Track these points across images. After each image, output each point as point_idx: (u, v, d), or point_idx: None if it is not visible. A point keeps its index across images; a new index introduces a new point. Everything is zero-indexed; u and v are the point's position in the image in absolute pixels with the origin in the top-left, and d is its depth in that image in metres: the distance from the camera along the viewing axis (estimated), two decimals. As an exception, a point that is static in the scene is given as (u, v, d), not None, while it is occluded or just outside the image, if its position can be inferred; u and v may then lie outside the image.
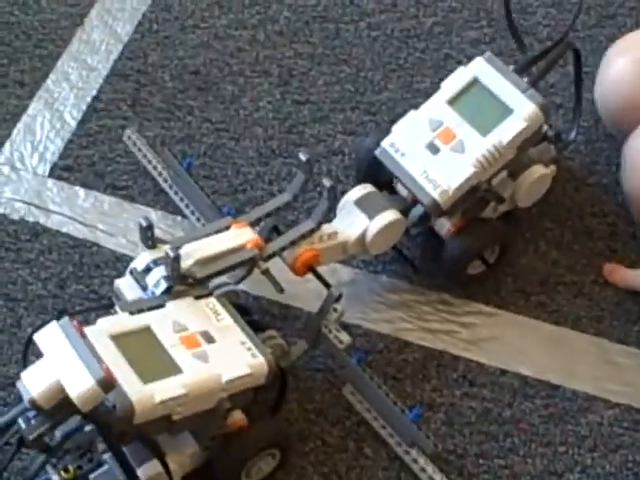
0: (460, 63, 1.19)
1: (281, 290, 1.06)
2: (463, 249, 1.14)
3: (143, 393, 0.88)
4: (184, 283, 0.99)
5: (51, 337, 0.86)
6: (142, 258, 1.01)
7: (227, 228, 1.06)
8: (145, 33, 1.37)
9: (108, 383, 0.83)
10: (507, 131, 1.10)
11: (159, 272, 0.99)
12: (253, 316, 1.07)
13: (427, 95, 1.17)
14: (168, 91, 1.32)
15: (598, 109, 1.25)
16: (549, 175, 1.18)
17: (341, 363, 1.09)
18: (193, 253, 1.01)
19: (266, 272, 1.05)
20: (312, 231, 1.08)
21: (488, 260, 1.17)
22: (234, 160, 1.27)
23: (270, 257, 1.06)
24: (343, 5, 1.41)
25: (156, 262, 1.00)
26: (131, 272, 1.01)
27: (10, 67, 1.34)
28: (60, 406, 0.83)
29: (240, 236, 1.05)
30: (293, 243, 1.07)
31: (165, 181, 1.21)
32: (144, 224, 1.00)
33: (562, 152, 1.23)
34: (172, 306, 0.97)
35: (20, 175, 1.25)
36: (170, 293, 0.99)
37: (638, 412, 1.10)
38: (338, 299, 1.06)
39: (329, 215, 1.10)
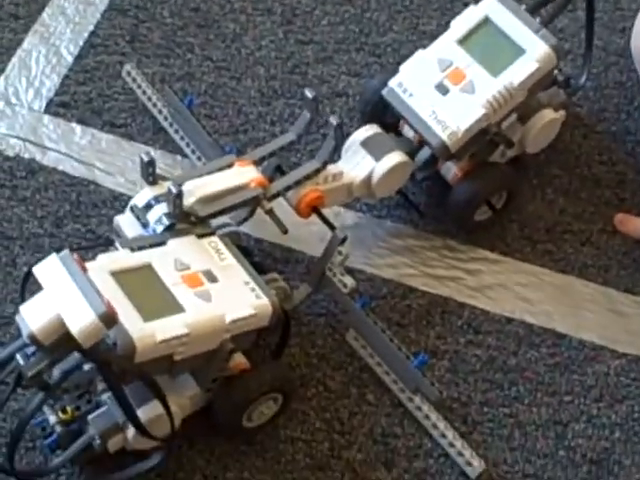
0: (467, 5, 1.16)
1: (285, 230, 1.03)
2: (471, 194, 1.11)
3: (144, 331, 0.85)
4: (186, 221, 0.97)
5: (51, 270, 0.82)
6: (143, 194, 0.98)
7: (230, 166, 1.03)
8: (144, -32, 1.33)
9: (110, 318, 0.80)
10: (519, 72, 1.07)
11: (161, 209, 0.96)
12: (255, 258, 1.04)
13: (433, 37, 1.14)
14: (168, 27, 1.28)
15: (634, 60, 1.21)
16: (558, 120, 1.15)
17: (344, 308, 1.06)
18: (196, 190, 0.98)
19: (270, 212, 1.02)
20: (317, 171, 1.05)
21: (495, 206, 1.14)
22: (235, 100, 1.23)
23: (274, 197, 1.03)
24: (348, -56, 1.37)
25: (157, 199, 0.97)
26: (132, 209, 0.98)
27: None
28: (60, 342, 0.80)
29: (244, 174, 1.02)
30: (298, 183, 1.04)
31: (165, 119, 1.18)
32: (145, 159, 0.97)
33: (571, 98, 1.20)
34: (174, 244, 0.94)
35: (15, 110, 1.21)
36: (172, 231, 0.96)
37: (645, 362, 1.09)
38: (343, 242, 1.03)
39: (335, 155, 1.07)
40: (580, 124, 1.24)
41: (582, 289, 1.14)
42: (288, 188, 1.04)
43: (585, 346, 1.09)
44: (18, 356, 0.82)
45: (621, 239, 1.17)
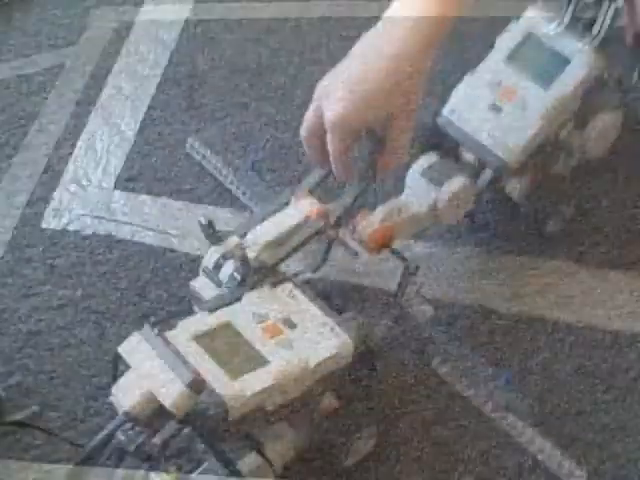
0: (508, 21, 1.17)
1: (355, 254, 1.04)
2: (538, 208, 1.11)
3: (233, 389, 0.87)
4: (257, 272, 0.98)
5: (135, 347, 0.85)
6: (211, 255, 1.00)
7: (287, 203, 1.05)
8: (190, 37, 1.38)
9: (199, 385, 0.82)
10: (568, 81, 1.08)
11: (230, 266, 0.98)
12: (330, 299, 1.05)
13: (479, 59, 1.15)
14: (221, 90, 1.32)
15: None
16: (617, 121, 1.15)
17: (426, 336, 1.07)
18: (259, 239, 1.00)
19: (339, 239, 1.03)
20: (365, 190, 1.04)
21: (565, 215, 1.14)
22: (295, 150, 1.26)
23: (337, 223, 1.03)
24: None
25: (225, 256, 0.99)
26: (204, 271, 1.01)
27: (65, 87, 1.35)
28: (155, 414, 0.83)
29: (302, 209, 1.03)
30: (354, 202, 1.03)
31: (231, 183, 1.21)
32: (203, 222, 1.00)
33: (625, 98, 1.19)
34: (249, 297, 0.96)
35: (87, 190, 1.26)
36: (245, 284, 0.98)
37: None
38: (415, 272, 1.04)
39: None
40: (639, 123, 1.24)
41: (665, 289, 1.13)
42: (347, 210, 1.03)
43: (675, 348, 1.08)
44: (118, 433, 0.85)
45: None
